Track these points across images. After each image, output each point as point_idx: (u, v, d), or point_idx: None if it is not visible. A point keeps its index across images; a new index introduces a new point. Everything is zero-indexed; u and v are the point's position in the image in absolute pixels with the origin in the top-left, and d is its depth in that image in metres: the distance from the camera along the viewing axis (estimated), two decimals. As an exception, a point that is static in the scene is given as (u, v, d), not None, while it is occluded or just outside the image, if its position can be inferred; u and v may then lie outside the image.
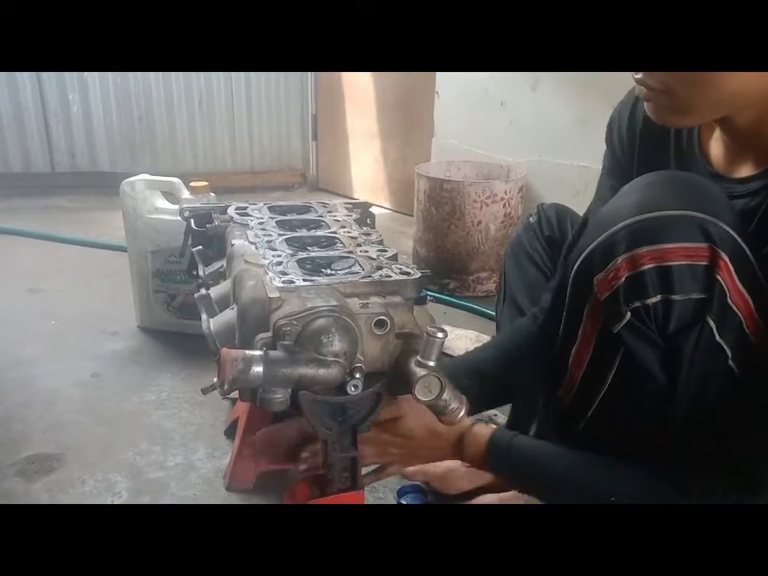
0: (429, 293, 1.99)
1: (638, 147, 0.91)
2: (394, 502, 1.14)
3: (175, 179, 1.65)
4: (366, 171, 3.08)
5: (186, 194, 1.62)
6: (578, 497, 0.75)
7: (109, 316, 1.81)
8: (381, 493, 1.16)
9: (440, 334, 0.66)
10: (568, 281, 0.75)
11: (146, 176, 1.65)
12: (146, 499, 1.14)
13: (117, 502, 1.13)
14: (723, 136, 0.78)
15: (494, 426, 0.87)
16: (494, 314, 1.85)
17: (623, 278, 0.66)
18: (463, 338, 1.76)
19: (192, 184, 1.63)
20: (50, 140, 3.00)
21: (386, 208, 3.01)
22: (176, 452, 1.26)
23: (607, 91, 1.91)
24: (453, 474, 1.09)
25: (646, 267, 0.65)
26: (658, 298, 0.65)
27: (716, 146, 0.81)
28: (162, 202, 1.64)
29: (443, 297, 2.00)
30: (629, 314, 0.67)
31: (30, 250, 2.34)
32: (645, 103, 0.74)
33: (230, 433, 1.29)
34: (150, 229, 1.60)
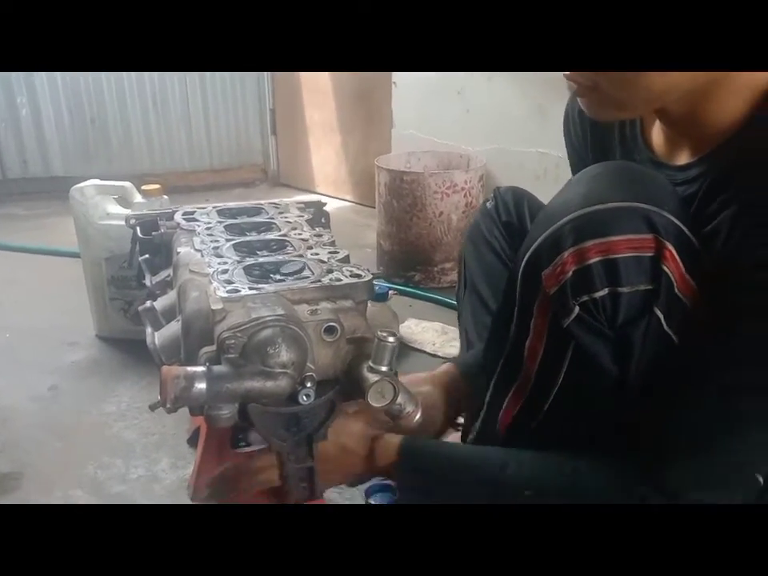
0: (393, 286, 1.97)
1: (589, 139, 0.91)
2: (362, 502, 1.13)
3: (126, 183, 1.60)
4: (328, 165, 3.05)
5: (138, 197, 1.58)
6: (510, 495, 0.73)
7: (66, 326, 1.76)
8: (348, 493, 1.15)
9: (391, 339, 0.64)
10: (517, 273, 0.74)
11: (96, 181, 1.60)
12: (108, 515, 1.11)
13: (77, 519, 1.10)
14: (663, 126, 0.77)
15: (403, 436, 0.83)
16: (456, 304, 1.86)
17: (570, 273, 0.66)
18: (429, 330, 1.75)
19: (144, 187, 1.59)
20: (0, 145, 2.91)
21: (349, 201, 2.98)
22: (138, 464, 1.23)
23: (561, 78, 1.92)
24: None
25: (592, 261, 0.64)
26: (606, 291, 0.65)
27: (657, 135, 0.81)
28: (114, 207, 1.59)
29: (408, 289, 1.99)
30: (577, 308, 0.66)
31: (-20, 261, 2.26)
32: (578, 99, 0.73)
33: (192, 441, 1.26)
34: (102, 235, 1.56)
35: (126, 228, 1.52)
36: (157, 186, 1.58)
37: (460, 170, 2.03)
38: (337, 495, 1.14)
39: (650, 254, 0.63)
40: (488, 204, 1.22)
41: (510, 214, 1.19)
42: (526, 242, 0.73)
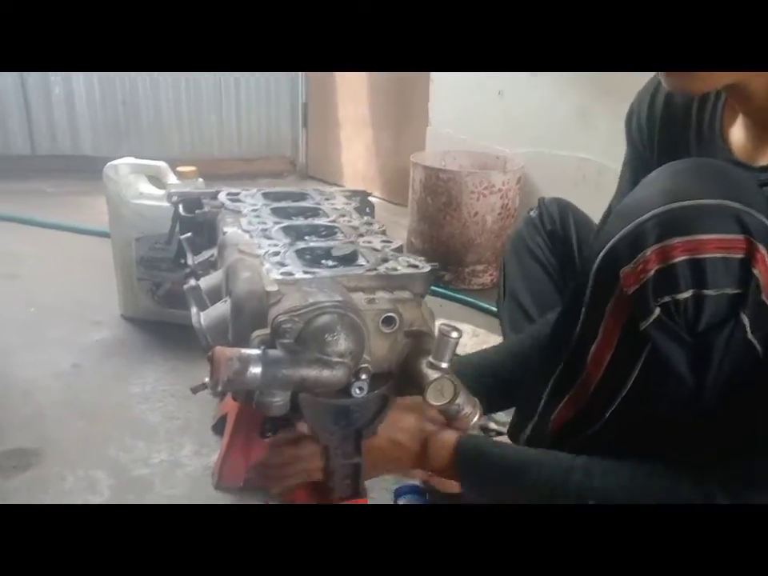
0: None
1: (657, 137, 0.87)
2: (390, 503, 1.09)
3: (161, 163, 1.58)
4: (358, 160, 3.02)
5: (172, 178, 1.56)
6: (570, 500, 0.70)
7: (91, 304, 1.74)
8: (375, 493, 1.12)
9: (454, 334, 0.60)
10: (587, 278, 0.71)
11: (131, 159, 1.58)
12: (129, 498, 1.08)
13: (98, 500, 1.07)
14: (746, 121, 0.74)
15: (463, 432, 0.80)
16: (488, 306, 1.83)
17: (652, 271, 0.62)
18: (459, 333, 1.71)
19: (179, 169, 1.56)
20: (31, 122, 2.90)
21: (378, 198, 2.95)
22: (161, 448, 1.21)
23: (608, 82, 1.87)
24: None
25: (677, 259, 0.60)
26: (690, 292, 0.61)
27: (738, 134, 0.77)
28: (148, 187, 1.57)
29: (438, 289, 1.95)
30: (658, 309, 0.63)
31: (8, 235, 2.25)
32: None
33: (217, 428, 1.24)
34: (135, 215, 1.54)
35: (158, 208, 1.51)
36: (192, 168, 1.56)
37: (498, 170, 1.99)
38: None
39: (739, 256, 0.60)
40: (532, 213, 1.20)
41: (555, 223, 1.17)
42: (600, 240, 0.69)
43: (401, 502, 1.07)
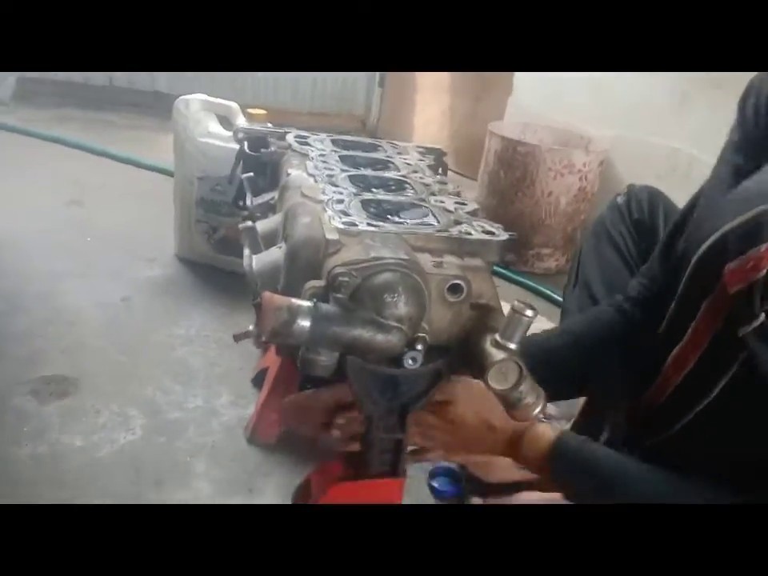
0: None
1: None
2: (424, 483, 1.04)
3: (233, 103, 1.53)
4: (431, 125, 2.91)
5: (242, 120, 1.51)
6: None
7: (148, 240, 1.72)
8: (411, 471, 1.06)
9: (529, 312, 0.53)
10: (683, 269, 0.62)
11: (203, 96, 1.54)
12: (160, 440, 1.06)
13: (129, 438, 1.05)
14: None
15: (559, 428, 0.74)
16: (550, 293, 1.73)
17: (765, 271, 0.53)
18: (516, 316, 1.63)
19: (250, 111, 1.51)
20: (111, 53, 2.91)
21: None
22: (198, 393, 1.18)
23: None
24: (497, 460, 0.98)
25: None
26: None
27: None
28: (216, 126, 1.52)
29: (498, 269, 1.85)
30: (763, 315, 0.54)
31: (77, 162, 2.26)
32: None
33: (257, 381, 1.20)
34: (199, 153, 1.49)
35: (224, 149, 1.46)
36: (263, 112, 1.51)
37: (580, 149, 1.87)
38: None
39: None
40: (619, 198, 1.10)
41: (643, 212, 1.07)
42: (702, 230, 0.60)
43: (434, 483, 1.02)
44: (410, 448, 0.75)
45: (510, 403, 0.57)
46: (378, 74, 3.18)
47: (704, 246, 0.58)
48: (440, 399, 0.70)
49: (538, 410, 0.58)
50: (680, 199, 1.12)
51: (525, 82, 2.33)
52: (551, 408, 1.21)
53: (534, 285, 1.78)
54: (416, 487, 1.03)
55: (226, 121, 1.54)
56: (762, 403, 0.58)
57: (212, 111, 1.53)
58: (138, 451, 1.03)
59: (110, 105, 2.90)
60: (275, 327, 0.49)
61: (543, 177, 1.77)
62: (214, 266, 1.58)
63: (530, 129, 2.08)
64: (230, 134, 1.46)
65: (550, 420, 1.16)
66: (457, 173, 2.78)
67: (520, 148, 1.79)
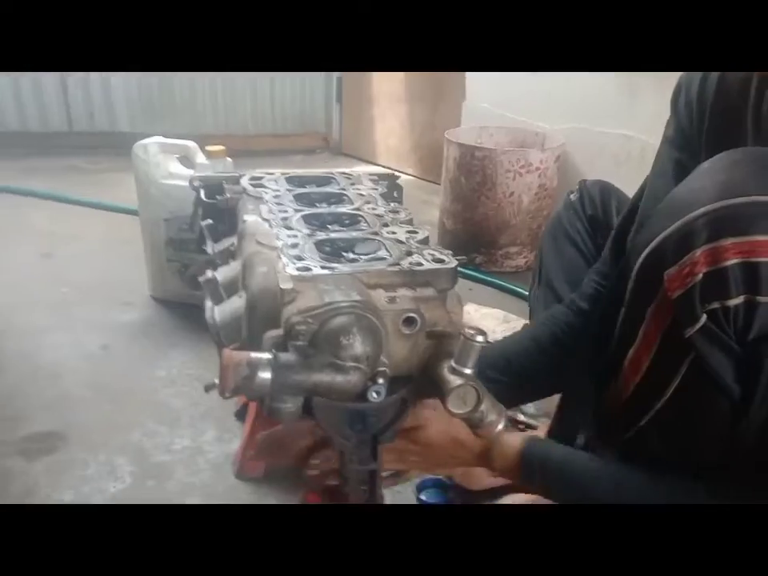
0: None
1: (708, 116, 0.80)
2: (413, 496, 1.07)
3: (190, 143, 1.55)
4: (392, 136, 2.95)
5: (201, 158, 1.53)
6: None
7: (123, 284, 1.74)
8: (399, 486, 1.09)
9: (479, 338, 0.56)
10: (629, 272, 0.65)
11: (160, 138, 1.56)
12: (149, 484, 1.08)
13: (119, 486, 1.07)
14: None
15: (528, 434, 0.77)
16: (522, 291, 1.77)
17: (701, 274, 0.56)
18: (489, 317, 1.66)
19: (208, 148, 1.53)
20: (68, 98, 2.91)
21: (411, 175, 2.88)
22: (183, 433, 1.20)
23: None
24: (479, 469, 1.01)
25: (729, 262, 0.55)
26: (741, 299, 0.55)
27: None
28: (177, 167, 1.55)
29: (469, 272, 1.89)
30: (704, 316, 0.57)
31: (45, 213, 2.26)
32: None
33: (240, 415, 1.22)
34: (163, 195, 1.52)
35: (187, 189, 1.47)
36: (221, 148, 1.52)
37: (536, 148, 1.91)
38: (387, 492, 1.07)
39: None
40: (572, 196, 1.13)
41: (596, 208, 1.10)
42: (642, 235, 0.63)
43: (422, 496, 1.05)
44: (387, 473, 0.78)
45: (473, 424, 0.60)
46: (335, 89, 3.21)
47: (643, 255, 0.62)
48: (409, 425, 0.73)
49: (500, 425, 0.61)
50: (636, 186, 1.16)
51: (477, 85, 2.37)
52: (530, 407, 1.24)
53: (504, 284, 1.82)
54: (405, 502, 1.06)
55: (185, 160, 1.56)
56: (713, 400, 0.61)
57: (170, 152, 1.55)
58: (129, 498, 1.05)
59: (71, 150, 2.90)
60: (237, 383, 0.51)
61: (503, 179, 1.81)
62: (189, 304, 1.60)
63: (486, 132, 2.12)
64: (191, 172, 1.49)
65: (529, 419, 1.20)
66: (425, 180, 2.83)
67: (477, 153, 1.83)
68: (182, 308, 1.61)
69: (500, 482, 1.00)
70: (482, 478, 1.01)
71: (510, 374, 0.87)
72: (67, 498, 1.04)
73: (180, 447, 1.16)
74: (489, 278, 1.86)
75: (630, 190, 1.13)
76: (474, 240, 1.93)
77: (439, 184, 2.17)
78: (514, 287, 1.80)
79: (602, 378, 0.73)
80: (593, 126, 1.95)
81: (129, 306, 1.64)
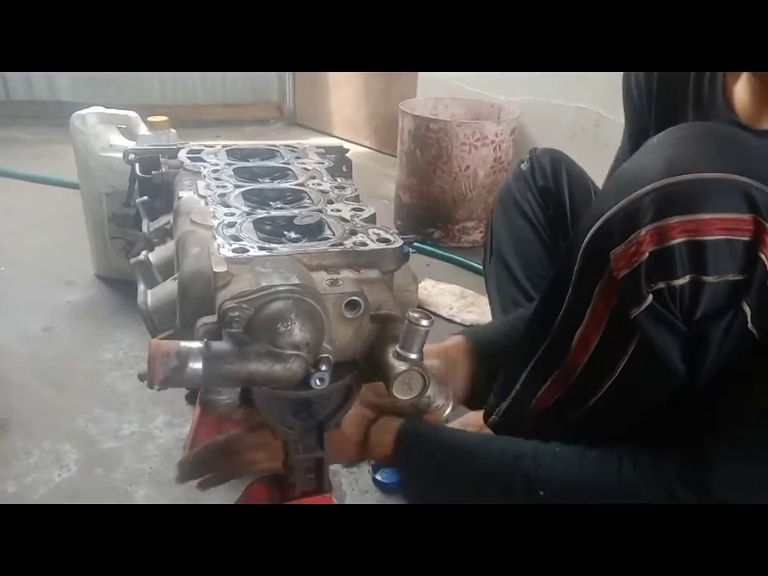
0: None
1: (654, 96, 0.79)
2: (368, 477, 1.05)
3: (131, 113, 1.48)
4: (347, 106, 2.89)
5: (143, 129, 1.46)
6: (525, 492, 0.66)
7: (65, 262, 1.67)
8: (355, 467, 1.07)
9: (424, 322, 0.54)
10: (576, 251, 0.63)
11: (100, 109, 1.48)
12: (97, 472, 1.04)
13: (64, 475, 1.03)
14: (752, 79, 0.65)
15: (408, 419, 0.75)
16: (478, 266, 1.75)
17: (647, 254, 0.55)
18: (447, 293, 1.65)
19: (150, 119, 1.46)
20: (4, 64, 2.76)
21: (368, 147, 2.84)
22: (132, 419, 1.16)
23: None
24: None
25: (675, 241, 0.53)
26: (687, 278, 0.54)
27: (742, 93, 0.69)
28: (118, 138, 1.47)
29: (426, 247, 1.87)
30: (650, 296, 0.56)
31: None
32: None
33: (191, 398, 1.17)
34: (104, 168, 1.44)
35: (129, 162, 1.42)
36: (164, 119, 1.45)
37: (491, 121, 1.88)
38: (342, 468, 1.06)
39: (745, 238, 0.53)
40: (522, 166, 1.11)
41: (547, 179, 1.09)
42: (590, 213, 0.61)
43: (379, 476, 1.04)
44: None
45: (420, 409, 0.58)
46: (288, 57, 3.11)
47: (589, 234, 0.60)
48: None
49: (449, 410, 0.59)
50: (591, 157, 1.15)
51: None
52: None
53: (461, 259, 1.81)
54: (361, 482, 1.05)
55: (127, 131, 1.49)
56: (660, 378, 0.61)
57: (111, 123, 1.48)
58: (75, 487, 1.01)
59: (9, 120, 2.76)
60: (166, 375, 0.48)
61: (458, 152, 1.78)
62: (134, 282, 1.54)
63: (441, 103, 2.08)
64: (133, 144, 1.42)
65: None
66: (380, 152, 2.78)
67: (432, 125, 1.79)
68: (128, 286, 1.53)
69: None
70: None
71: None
72: (10, 489, 0.99)
73: (128, 433, 1.12)
74: (446, 254, 1.85)
75: (584, 162, 1.12)
76: (431, 215, 1.91)
77: (395, 156, 2.13)
78: (470, 262, 1.78)
79: (550, 360, 0.72)
80: (548, 98, 1.93)
81: (71, 285, 1.57)
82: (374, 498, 1.02)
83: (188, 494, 1.00)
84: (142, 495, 1.00)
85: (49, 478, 1.02)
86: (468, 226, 1.90)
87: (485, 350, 0.89)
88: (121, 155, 1.39)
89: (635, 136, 0.85)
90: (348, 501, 1.00)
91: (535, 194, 1.10)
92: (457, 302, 1.59)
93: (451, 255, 1.83)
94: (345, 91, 2.87)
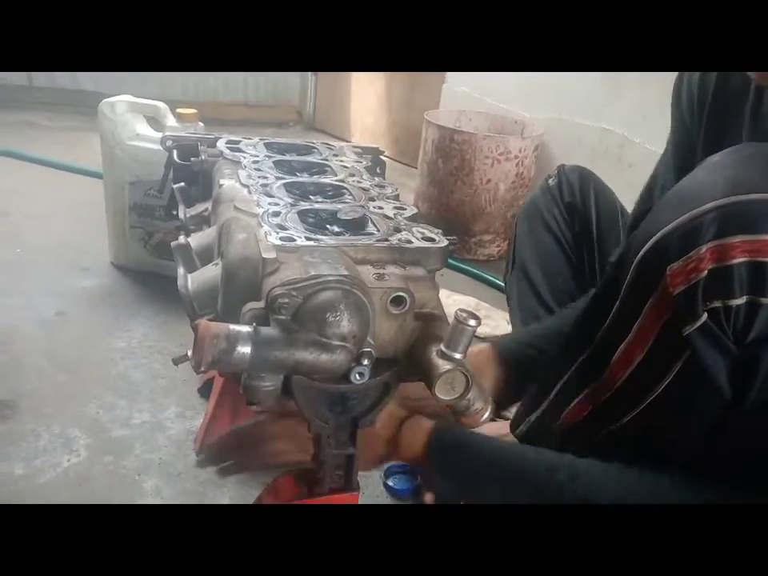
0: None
1: (708, 108, 0.78)
2: (380, 482, 1.04)
3: (161, 103, 1.48)
4: (368, 113, 2.90)
5: (171, 120, 1.46)
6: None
7: (82, 249, 1.66)
8: (366, 472, 1.06)
9: (472, 322, 0.53)
10: (628, 264, 0.63)
11: (129, 97, 1.48)
12: (106, 459, 1.03)
13: (74, 460, 1.01)
14: None
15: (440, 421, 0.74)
16: (493, 279, 1.75)
17: (705, 271, 0.54)
18: (462, 305, 1.64)
19: (179, 110, 1.46)
20: (29, 50, 2.77)
21: (386, 156, 2.83)
22: (143, 408, 1.14)
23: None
24: None
25: (736, 261, 0.53)
26: (744, 299, 0.54)
27: None
28: (145, 128, 1.47)
29: (442, 257, 1.86)
30: (705, 314, 0.55)
31: (1, 168, 2.14)
32: None
33: (204, 391, 1.17)
34: (130, 157, 1.44)
35: (155, 152, 1.41)
36: (193, 111, 1.46)
37: (515, 135, 1.88)
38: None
39: None
40: (550, 181, 1.11)
41: (574, 195, 1.09)
42: (645, 227, 0.61)
43: (390, 482, 1.03)
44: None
45: (458, 411, 0.57)
46: (311, 62, 3.13)
47: (646, 247, 0.59)
48: None
49: (486, 414, 0.58)
50: (613, 179, 1.15)
51: (458, 68, 2.33)
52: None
53: (477, 272, 1.80)
54: (372, 487, 1.04)
55: (154, 121, 1.49)
56: (704, 399, 0.60)
57: (139, 112, 1.48)
58: (83, 473, 1.00)
59: (29, 104, 2.77)
60: (214, 357, 0.47)
61: (481, 165, 1.78)
62: (152, 272, 1.53)
63: (465, 116, 2.09)
64: (160, 135, 1.42)
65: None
66: (399, 162, 2.78)
67: (456, 136, 1.80)
68: (144, 277, 1.54)
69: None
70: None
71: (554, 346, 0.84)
72: (18, 470, 0.98)
73: (139, 422, 1.11)
74: (461, 265, 1.84)
75: (607, 183, 1.12)
76: (449, 226, 1.90)
77: (413, 167, 2.13)
78: (486, 275, 1.78)
79: (587, 373, 0.71)
80: (573, 117, 1.93)
81: (87, 272, 1.57)
82: (383, 503, 1.01)
83: (197, 487, 0.99)
84: (151, 485, 0.99)
85: (57, 462, 1.01)
86: (485, 239, 1.89)
87: (509, 358, 0.88)
88: (148, 145, 1.42)
89: (680, 149, 0.85)
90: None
91: (562, 210, 1.10)
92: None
93: (467, 267, 1.82)
94: (367, 98, 2.88)
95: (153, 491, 0.97)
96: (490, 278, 1.76)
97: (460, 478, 0.71)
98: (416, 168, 2.06)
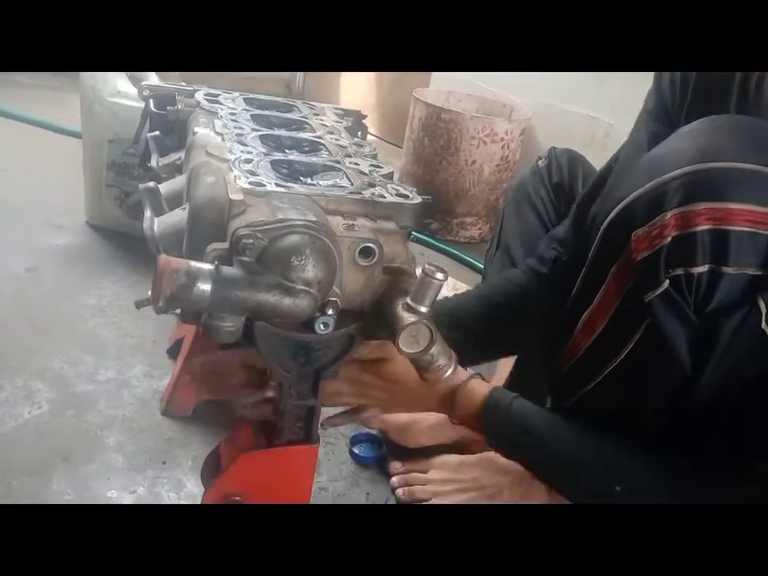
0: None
1: (691, 91, 0.78)
2: (345, 450, 1.04)
3: (144, 61, 1.45)
4: (357, 91, 2.87)
5: (154, 79, 1.43)
6: (588, 482, 0.66)
7: (56, 207, 1.62)
8: (332, 438, 1.06)
9: (439, 275, 0.53)
10: (595, 232, 0.63)
11: (111, 53, 1.44)
12: (68, 414, 1.01)
13: (35, 412, 1.00)
14: None
15: (493, 385, 0.76)
16: (474, 262, 1.75)
17: (669, 238, 0.54)
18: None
19: (161, 73, 1.43)
20: (13, 5, 2.70)
21: (372, 135, 2.82)
22: (110, 365, 1.13)
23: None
24: (415, 425, 0.99)
25: (699, 228, 0.53)
26: (706, 267, 0.54)
27: None
28: (127, 85, 1.44)
29: (423, 237, 1.86)
30: (667, 281, 0.55)
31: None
32: None
33: (172, 352, 1.16)
34: (109, 114, 1.41)
35: (135, 110, 1.38)
36: (175, 74, 1.43)
37: (502, 118, 1.88)
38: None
39: None
40: (540, 162, 1.12)
41: (562, 176, 1.09)
42: (613, 193, 0.61)
43: (356, 450, 1.02)
44: (342, 408, 0.75)
45: (421, 366, 0.57)
46: (303, 37, 3.09)
47: (613, 213, 0.59)
48: (375, 357, 0.70)
49: (449, 371, 0.58)
50: (598, 167, 1.15)
51: (450, 48, 2.31)
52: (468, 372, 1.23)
53: (457, 253, 1.80)
54: (338, 454, 1.03)
55: (136, 80, 1.45)
56: (664, 369, 0.60)
57: (122, 69, 1.45)
58: (45, 425, 0.98)
59: (13, 61, 2.70)
60: (173, 291, 0.46)
61: (467, 145, 1.77)
62: (127, 233, 1.51)
63: (453, 97, 2.08)
64: (142, 93, 1.39)
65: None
66: (386, 141, 2.76)
67: (444, 115, 1.78)
68: (119, 236, 1.51)
69: (435, 441, 0.99)
70: (418, 436, 1.00)
71: (458, 333, 0.85)
72: (-24, 420, 0.96)
73: (105, 379, 1.09)
74: (442, 245, 1.84)
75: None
76: (432, 206, 1.87)
77: (399, 147, 2.12)
78: (466, 257, 1.78)
79: (555, 340, 0.71)
80: (561, 103, 1.93)
81: (61, 230, 1.54)
82: (348, 470, 1.00)
83: (161, 444, 0.98)
84: (113, 441, 0.97)
85: (18, 413, 0.99)
86: (467, 221, 1.89)
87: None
88: (128, 102, 1.39)
89: (658, 131, 0.85)
90: (323, 470, 0.98)
91: (549, 191, 1.10)
92: (449, 292, 1.58)
93: (447, 248, 1.82)
94: (357, 75, 2.85)
95: (115, 446, 0.96)
96: (470, 260, 1.75)
97: (509, 446, 0.73)
98: (401, 148, 2.05)
